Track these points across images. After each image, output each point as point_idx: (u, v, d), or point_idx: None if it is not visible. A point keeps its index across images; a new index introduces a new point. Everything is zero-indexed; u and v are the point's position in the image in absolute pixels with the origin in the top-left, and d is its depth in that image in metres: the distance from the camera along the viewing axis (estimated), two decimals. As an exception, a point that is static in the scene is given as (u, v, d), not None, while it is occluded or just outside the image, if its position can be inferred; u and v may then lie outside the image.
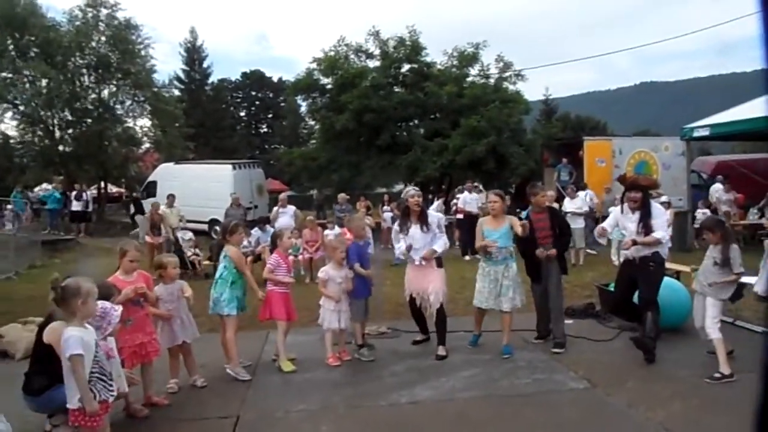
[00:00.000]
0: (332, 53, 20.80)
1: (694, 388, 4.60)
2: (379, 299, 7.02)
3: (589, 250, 12.35)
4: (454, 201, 15.43)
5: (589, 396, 4.55)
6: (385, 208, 16.74)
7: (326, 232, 11.80)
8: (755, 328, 6.10)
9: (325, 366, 5.48)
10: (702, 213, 13.70)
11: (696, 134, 13.62)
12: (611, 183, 15.37)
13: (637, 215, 5.44)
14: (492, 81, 21.33)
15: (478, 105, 19.16)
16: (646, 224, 5.36)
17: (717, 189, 16.40)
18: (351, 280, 5.70)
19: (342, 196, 15.80)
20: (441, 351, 5.69)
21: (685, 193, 14.58)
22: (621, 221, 5.65)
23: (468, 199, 14.07)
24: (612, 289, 7.06)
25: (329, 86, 20.97)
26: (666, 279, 6.03)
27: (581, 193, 12.60)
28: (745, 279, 5.25)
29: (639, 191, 5.43)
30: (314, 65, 20.87)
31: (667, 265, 6.68)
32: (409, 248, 5.78)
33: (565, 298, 6.35)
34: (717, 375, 4.75)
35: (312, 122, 23.49)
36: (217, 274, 5.38)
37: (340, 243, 5.95)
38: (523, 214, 6.35)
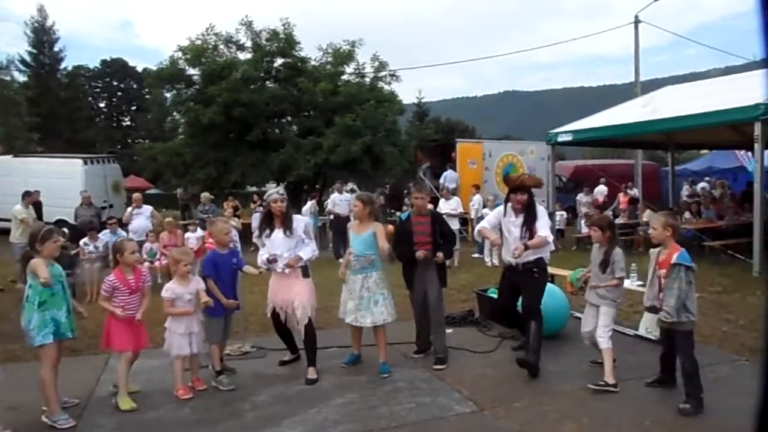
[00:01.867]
0: (199, 42, 19.33)
1: (581, 404, 4.35)
2: (243, 310, 6.22)
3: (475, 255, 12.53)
4: (328, 202, 14.92)
5: (478, 422, 4.12)
6: (256, 208, 15.79)
7: (187, 235, 10.70)
8: (627, 332, 6.12)
9: (174, 400, 4.59)
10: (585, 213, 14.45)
11: (560, 139, 14.20)
12: (482, 182, 15.71)
13: (521, 218, 5.11)
14: (367, 80, 21.03)
15: (353, 103, 18.74)
16: (530, 228, 5.04)
17: (602, 191, 17.43)
18: (203, 295, 4.84)
19: (205, 195, 14.57)
20: (311, 374, 5.02)
21: (548, 196, 15.16)
22: (504, 223, 5.32)
23: (337, 200, 13.62)
24: (491, 295, 6.85)
25: (196, 77, 19.48)
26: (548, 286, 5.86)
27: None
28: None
29: (525, 192, 5.10)
30: (179, 54, 19.28)
31: (551, 270, 6.56)
32: (272, 260, 5.06)
33: (445, 309, 5.94)
34: (601, 383, 4.58)
35: (177, 115, 21.66)
36: (24, 296, 4.27)
37: (183, 254, 5.07)
38: (403, 215, 5.92)
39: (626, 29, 22.04)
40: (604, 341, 4.68)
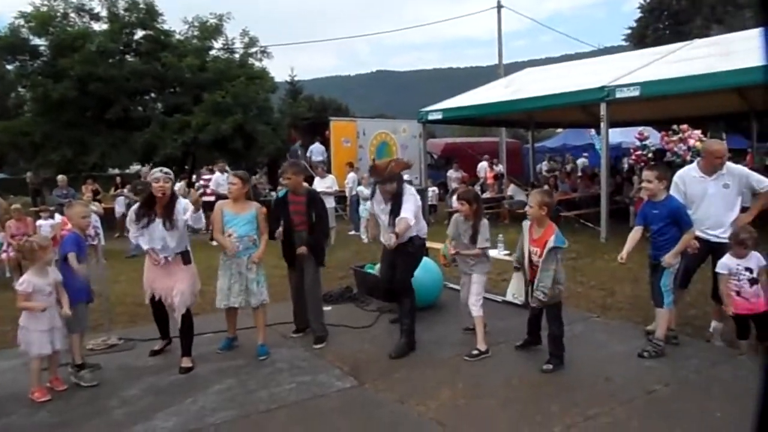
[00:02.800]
0: (45, 8, 17.41)
1: (457, 370, 4.56)
2: (106, 300, 5.79)
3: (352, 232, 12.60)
4: (200, 183, 14.26)
5: (359, 396, 4.17)
6: (119, 192, 14.73)
7: (39, 222, 9.73)
8: (495, 298, 6.50)
9: (28, 404, 4.16)
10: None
11: (431, 117, 14.62)
12: (356, 160, 15.83)
13: (389, 206, 5.05)
14: (237, 56, 20.23)
15: (222, 80, 17.96)
16: (397, 215, 4.94)
17: (484, 167, 18.16)
18: (62, 291, 4.41)
19: (62, 178, 13.32)
20: (186, 362, 4.78)
21: (421, 173, 15.63)
22: (376, 209, 5.35)
23: (221, 180, 13.07)
24: (369, 270, 6.96)
25: (43, 48, 17.56)
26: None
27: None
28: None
29: (394, 181, 5.02)
30: (21, 21, 17.23)
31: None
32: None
33: (321, 288, 5.92)
34: (475, 352, 4.81)
35: (22, 90, 19.42)
36: None
37: (46, 241, 4.58)
38: (280, 193, 5.80)
39: (491, 14, 23.14)
40: (476, 309, 4.92)
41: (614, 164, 17.19)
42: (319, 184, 11.61)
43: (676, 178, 5.22)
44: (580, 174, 16.68)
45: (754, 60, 9.74)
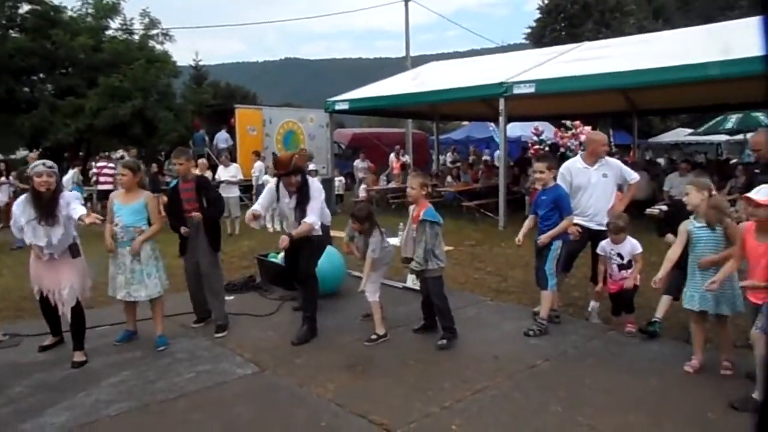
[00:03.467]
0: None
1: (355, 354, 4.71)
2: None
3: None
4: (94, 171, 13.55)
5: (260, 382, 4.22)
6: (3, 179, 13.65)
7: None
8: (396, 285, 6.73)
9: None
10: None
11: (337, 107, 14.71)
12: (262, 149, 15.63)
13: (294, 200, 5.11)
14: (136, 38, 19.27)
15: (120, 62, 17.06)
16: (303, 210, 5.05)
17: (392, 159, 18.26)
18: None
19: (-66, 164, 12.15)
20: (78, 356, 4.60)
21: (328, 162, 15.70)
22: (280, 205, 5.29)
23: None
24: (272, 259, 6.97)
25: None
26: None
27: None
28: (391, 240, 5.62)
29: (299, 174, 5.09)
30: None
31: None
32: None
33: (223, 274, 5.87)
34: (374, 336, 4.99)
35: None
36: None
37: None
38: (171, 183, 5.71)
39: (400, 6, 23.45)
40: (370, 295, 5.09)
41: (521, 156, 18.04)
42: (223, 173, 11.41)
43: (562, 168, 5.66)
44: (482, 166, 17.38)
45: (636, 63, 10.65)
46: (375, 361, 4.54)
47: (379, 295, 5.12)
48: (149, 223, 4.98)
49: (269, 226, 11.83)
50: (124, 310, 5.18)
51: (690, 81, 10.39)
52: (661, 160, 24.31)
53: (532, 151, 15.82)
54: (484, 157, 20.33)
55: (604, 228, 5.29)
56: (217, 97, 25.31)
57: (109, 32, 18.78)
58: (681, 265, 4.31)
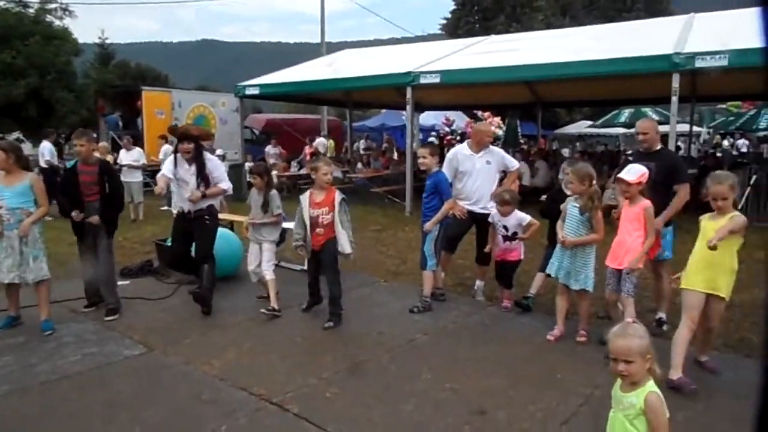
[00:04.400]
0: None
1: (246, 332, 4.86)
2: None
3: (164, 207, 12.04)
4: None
5: (146, 361, 4.27)
6: None
7: None
8: (294, 267, 6.89)
9: None
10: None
11: (248, 92, 14.54)
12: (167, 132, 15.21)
13: (194, 167, 5.34)
14: (32, 11, 18.11)
15: (12, 37, 16.01)
16: (204, 176, 5.31)
17: (322, 143, 18.08)
18: None
19: None
20: (-47, 345, 4.49)
21: (239, 147, 15.51)
22: (178, 173, 5.45)
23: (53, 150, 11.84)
24: (170, 244, 6.92)
25: None
26: (221, 230, 6.21)
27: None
28: (285, 224, 5.79)
29: (191, 141, 5.31)
30: None
31: (223, 216, 6.91)
32: None
33: (114, 258, 5.76)
34: (269, 308, 5.20)
35: None
36: None
37: None
38: (68, 164, 5.59)
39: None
40: (269, 273, 5.27)
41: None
42: (125, 157, 11.06)
43: (449, 154, 6.01)
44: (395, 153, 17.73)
45: (538, 58, 11.27)
46: (263, 339, 4.70)
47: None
48: (36, 205, 4.88)
49: (174, 210, 11.61)
50: (6, 295, 5.03)
51: (589, 76, 11.14)
52: (566, 150, 25.78)
53: (446, 140, 16.39)
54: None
55: (487, 211, 5.67)
56: (126, 79, 24.25)
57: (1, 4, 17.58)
58: (555, 243, 4.76)
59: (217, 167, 5.55)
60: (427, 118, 25.12)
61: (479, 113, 26.30)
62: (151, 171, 13.02)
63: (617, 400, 2.29)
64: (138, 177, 11.07)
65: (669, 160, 4.95)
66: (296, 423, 3.31)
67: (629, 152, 6.17)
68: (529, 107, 19.88)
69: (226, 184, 5.52)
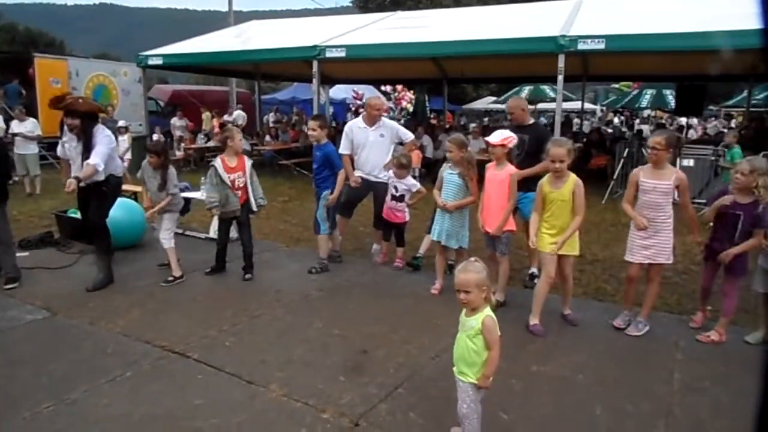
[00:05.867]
0: None
1: (150, 295, 5.09)
2: None
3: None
4: None
5: (50, 324, 4.43)
6: None
7: None
8: (199, 235, 7.11)
9: None
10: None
11: (150, 62, 14.17)
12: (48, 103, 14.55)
13: (81, 146, 5.23)
14: None
15: None
16: (88, 154, 5.16)
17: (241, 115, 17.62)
18: None
19: None
20: None
21: (143, 119, 15.13)
22: (67, 148, 5.43)
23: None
24: (71, 215, 6.92)
25: None
26: (123, 200, 6.32)
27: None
28: (190, 194, 6.01)
29: (77, 117, 5.19)
30: None
31: (126, 187, 6.97)
32: None
33: (10, 226, 5.65)
34: (170, 278, 5.41)
35: None
36: None
37: None
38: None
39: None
40: (166, 242, 5.50)
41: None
42: (18, 127, 10.60)
43: (346, 128, 6.42)
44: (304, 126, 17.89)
45: (441, 35, 11.81)
46: (166, 300, 4.98)
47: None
48: None
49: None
50: None
51: (484, 54, 11.82)
52: (473, 125, 26.90)
53: (358, 113, 16.69)
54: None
55: (381, 180, 6.14)
56: (15, 45, 22.69)
57: None
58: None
59: (101, 142, 5.20)
60: (338, 91, 25.33)
61: (388, 88, 26.83)
62: (47, 143, 12.54)
63: (462, 323, 2.81)
64: (33, 149, 10.65)
65: (538, 133, 5.59)
66: (197, 366, 3.66)
67: (506, 125, 6.82)
68: (437, 83, 20.53)
69: (95, 160, 5.09)
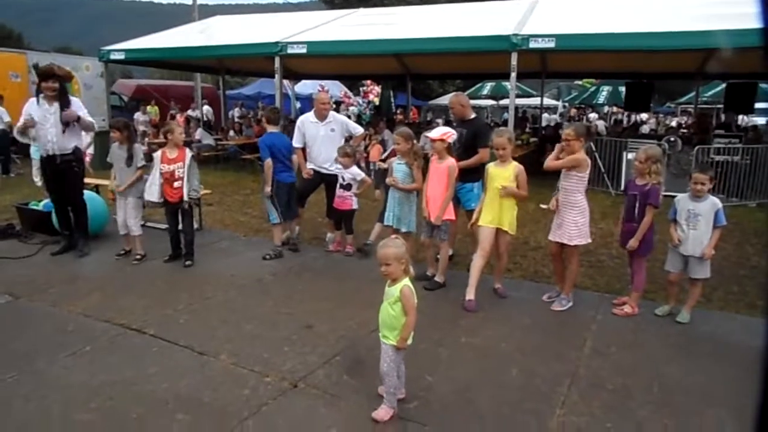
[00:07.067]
0: None
1: (110, 281, 5.40)
2: None
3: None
4: None
5: (12, 307, 4.69)
6: None
7: None
8: (159, 226, 7.37)
9: None
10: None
11: (113, 57, 14.20)
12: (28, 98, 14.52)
13: (56, 106, 5.76)
14: None
15: None
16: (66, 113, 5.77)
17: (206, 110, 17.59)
18: None
19: None
20: None
21: (105, 113, 15.15)
22: (39, 117, 5.80)
23: None
24: (33, 207, 7.10)
25: None
26: (86, 192, 6.55)
27: None
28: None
29: (56, 80, 5.72)
30: None
31: (88, 180, 7.19)
32: None
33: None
34: (137, 256, 5.90)
35: None
36: None
37: None
38: None
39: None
40: (136, 229, 5.85)
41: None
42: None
43: (298, 122, 6.77)
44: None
45: (401, 33, 12.16)
46: (126, 285, 5.27)
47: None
48: None
49: (36, 180, 11.37)
50: None
51: (440, 52, 12.24)
52: (439, 121, 27.42)
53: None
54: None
55: (332, 172, 6.50)
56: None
57: None
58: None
59: (80, 107, 5.97)
60: (305, 87, 25.52)
61: (362, 85, 27.10)
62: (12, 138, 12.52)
63: (386, 293, 3.19)
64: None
65: (475, 128, 5.99)
66: (152, 341, 3.99)
67: (451, 120, 7.23)
68: (401, 78, 20.91)
69: (90, 119, 6.01)
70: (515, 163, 4.91)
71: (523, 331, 4.41)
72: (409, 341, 3.14)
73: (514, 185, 4.84)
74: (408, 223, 5.57)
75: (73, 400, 3.18)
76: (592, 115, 30.48)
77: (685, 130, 17.34)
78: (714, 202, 4.53)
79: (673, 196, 4.92)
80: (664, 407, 3.30)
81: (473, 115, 6.27)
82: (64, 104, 5.75)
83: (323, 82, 24.84)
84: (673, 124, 23.73)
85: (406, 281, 3.13)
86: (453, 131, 5.36)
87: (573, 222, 4.75)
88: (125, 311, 4.50)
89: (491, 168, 4.99)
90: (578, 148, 4.73)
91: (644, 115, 24.80)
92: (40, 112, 5.77)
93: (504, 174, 4.87)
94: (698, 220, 4.50)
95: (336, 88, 25.24)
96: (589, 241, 4.89)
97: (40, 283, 5.25)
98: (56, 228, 6.42)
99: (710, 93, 21.58)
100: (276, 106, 7.11)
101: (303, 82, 24.18)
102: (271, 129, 6.41)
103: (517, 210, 5.02)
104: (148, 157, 6.29)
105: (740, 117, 18.58)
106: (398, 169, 5.58)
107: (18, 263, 5.95)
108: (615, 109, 27.70)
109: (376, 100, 27.92)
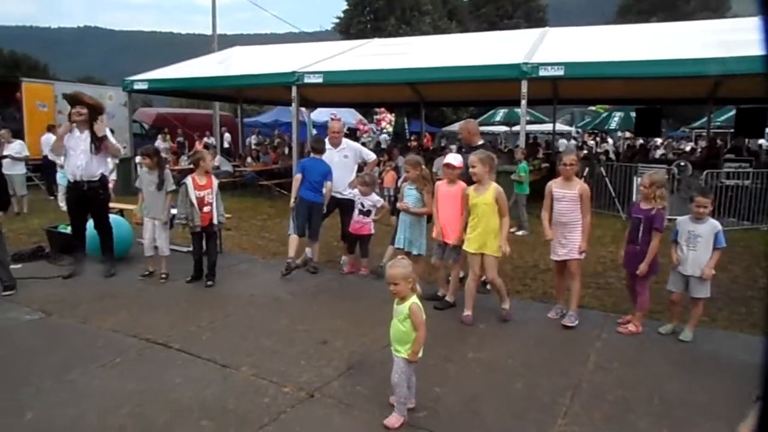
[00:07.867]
0: None
1: (136, 299, 5.68)
2: None
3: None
4: None
5: (46, 323, 4.98)
6: None
7: None
8: (182, 249, 7.66)
9: None
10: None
11: (136, 87, 14.77)
12: (57, 126, 15.08)
13: (86, 133, 6.18)
14: None
15: None
16: (98, 141, 6.19)
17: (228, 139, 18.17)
18: None
19: None
20: None
21: (128, 142, 15.67)
22: (70, 144, 6.21)
23: None
24: (62, 230, 7.43)
25: None
26: (112, 216, 6.88)
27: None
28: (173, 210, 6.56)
29: (84, 107, 6.17)
30: None
31: (113, 204, 7.53)
32: None
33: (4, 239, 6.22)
34: (163, 275, 6.27)
35: None
36: None
37: None
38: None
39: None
40: (166, 249, 6.26)
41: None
42: (6, 149, 11.10)
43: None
44: (286, 147, 18.52)
45: (415, 62, 12.53)
46: (151, 304, 5.55)
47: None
48: None
49: (62, 205, 11.79)
50: None
51: (453, 80, 12.58)
52: (453, 147, 27.79)
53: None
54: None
55: (346, 197, 6.78)
56: (-1, 68, 23.18)
57: None
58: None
59: (108, 134, 6.40)
60: (321, 114, 26.07)
61: (376, 112, 27.61)
62: (33, 165, 13.05)
63: (395, 310, 3.41)
64: (21, 170, 11.17)
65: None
66: (177, 354, 4.24)
67: (461, 147, 7.49)
68: (415, 106, 21.33)
69: (119, 144, 6.52)
70: (494, 186, 5.06)
71: (529, 348, 4.58)
72: (420, 354, 3.34)
73: (492, 207, 5.01)
74: (419, 245, 5.80)
75: (106, 406, 3.43)
76: (609, 141, 30.64)
77: (698, 155, 17.48)
78: (714, 224, 4.72)
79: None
80: (664, 419, 3.46)
81: (480, 142, 6.52)
82: (93, 134, 6.16)
83: (337, 110, 25.41)
84: (687, 148, 23.82)
85: (413, 299, 3.35)
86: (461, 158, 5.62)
87: (579, 239, 4.99)
88: (151, 327, 4.76)
89: (471, 192, 5.13)
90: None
91: (658, 140, 24.95)
92: (72, 139, 6.13)
93: (485, 199, 5.01)
94: (698, 242, 4.68)
95: (350, 116, 25.73)
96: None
97: (70, 301, 5.54)
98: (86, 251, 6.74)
99: (723, 118, 21.70)
100: (320, 137, 7.45)
101: (319, 109, 24.72)
102: (314, 156, 6.72)
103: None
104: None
105: (751, 140, 18.65)
106: (409, 194, 5.83)
107: (48, 283, 6.24)
108: (628, 134, 27.87)
109: (389, 127, 28.44)
